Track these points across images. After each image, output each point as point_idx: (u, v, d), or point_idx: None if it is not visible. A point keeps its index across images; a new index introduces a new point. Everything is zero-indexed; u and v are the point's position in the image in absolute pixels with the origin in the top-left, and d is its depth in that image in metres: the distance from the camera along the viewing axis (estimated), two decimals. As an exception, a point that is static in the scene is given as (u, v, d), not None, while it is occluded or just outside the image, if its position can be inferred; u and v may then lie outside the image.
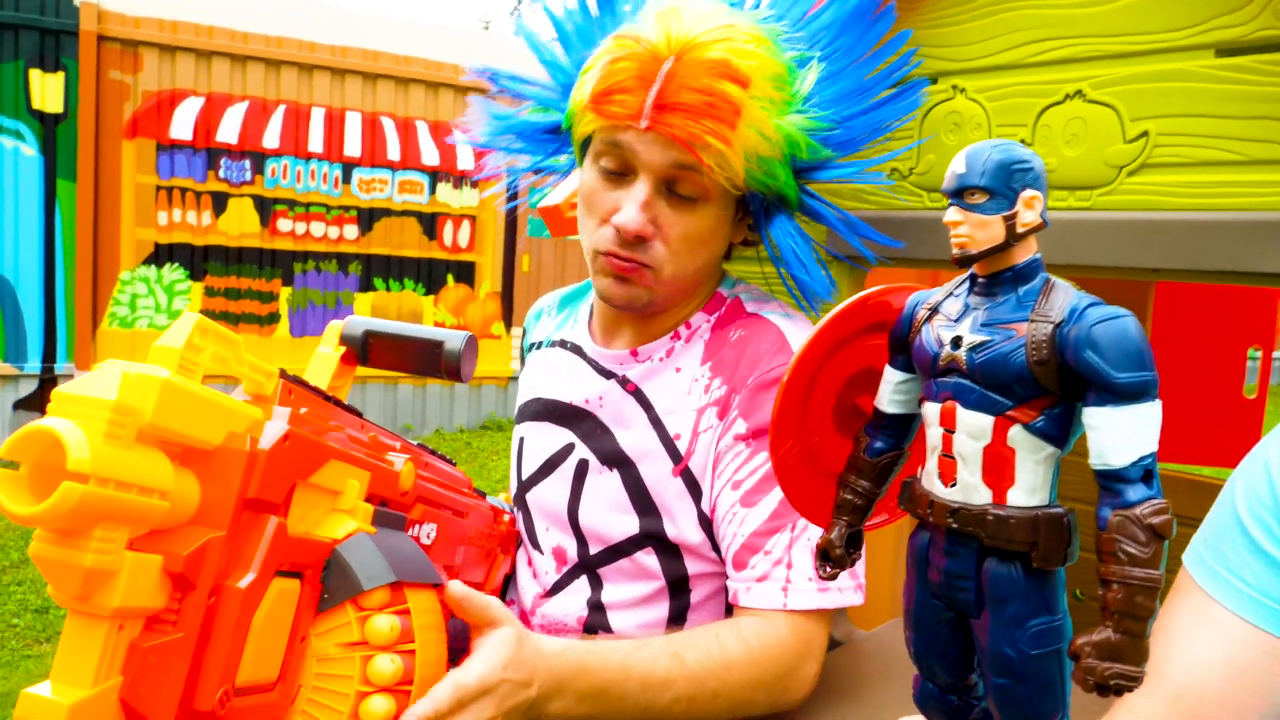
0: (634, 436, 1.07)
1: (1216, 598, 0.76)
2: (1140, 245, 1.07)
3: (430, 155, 6.37)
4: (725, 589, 1.05)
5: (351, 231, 6.15)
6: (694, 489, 1.04)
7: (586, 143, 1.04)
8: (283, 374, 0.67)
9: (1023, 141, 1.17)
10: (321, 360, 0.81)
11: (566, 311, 1.27)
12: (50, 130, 5.25)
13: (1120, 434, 0.47)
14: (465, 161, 6.43)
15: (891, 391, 0.61)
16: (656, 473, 1.05)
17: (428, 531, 0.81)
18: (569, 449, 1.13)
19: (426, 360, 0.83)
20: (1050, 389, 0.51)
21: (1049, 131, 1.14)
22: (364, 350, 0.86)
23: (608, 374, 1.12)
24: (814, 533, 0.95)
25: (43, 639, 3.21)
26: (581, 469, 1.11)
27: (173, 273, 5.64)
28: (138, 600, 0.52)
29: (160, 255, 5.61)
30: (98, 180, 5.35)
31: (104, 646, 0.50)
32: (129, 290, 5.53)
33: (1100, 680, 0.46)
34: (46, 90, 5.23)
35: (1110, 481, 0.48)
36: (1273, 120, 0.99)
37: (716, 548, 1.05)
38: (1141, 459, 0.47)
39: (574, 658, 0.86)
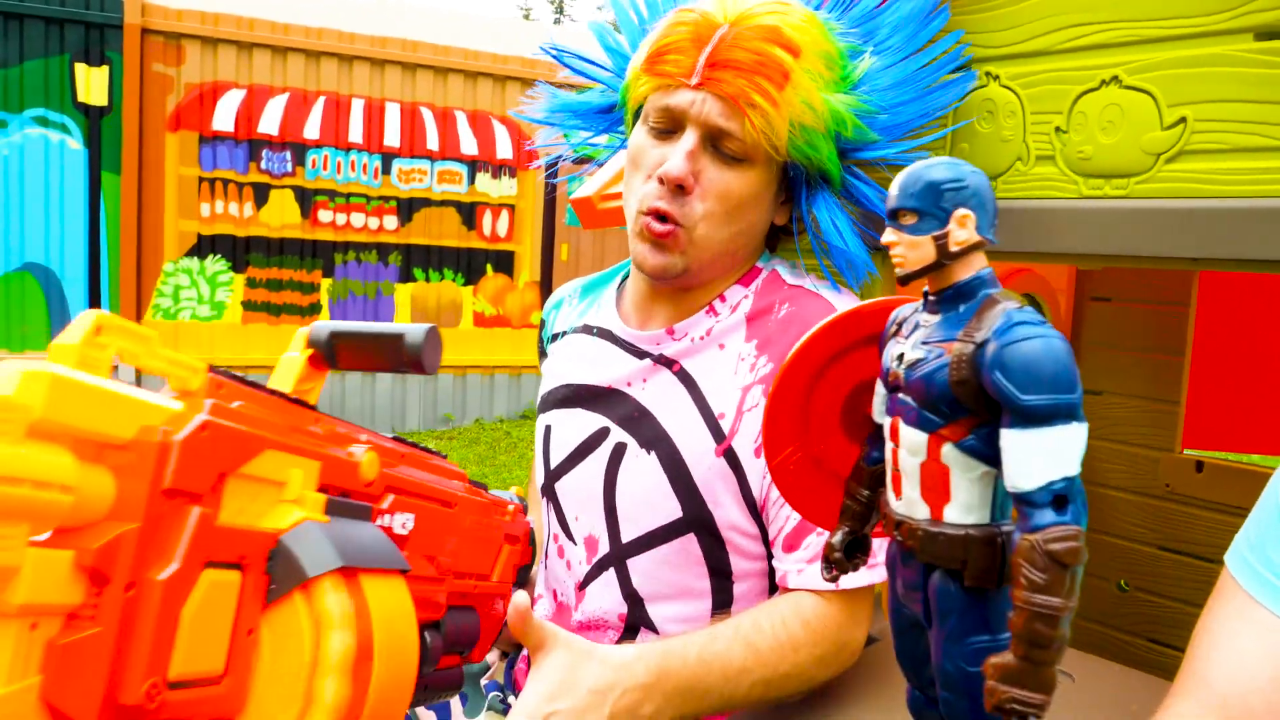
0: (676, 417, 1.06)
1: (1262, 601, 0.74)
2: (1179, 234, 1.05)
3: (469, 145, 6.41)
4: (768, 584, 1.06)
5: (391, 222, 6.21)
6: (737, 470, 1.03)
7: (638, 113, 1.08)
8: (211, 369, 0.67)
9: (1058, 129, 1.15)
10: (286, 365, 0.82)
11: (589, 299, 1.26)
12: (95, 123, 5.36)
13: (1027, 457, 0.47)
14: (504, 151, 6.46)
15: (880, 403, 0.62)
16: (698, 452, 1.04)
17: (403, 521, 0.82)
18: (603, 433, 1.11)
19: (390, 355, 0.85)
20: (973, 409, 0.51)
21: (1084, 118, 1.12)
22: (331, 352, 0.87)
23: (642, 354, 1.11)
24: None
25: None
26: (618, 453, 1.09)
27: (215, 264, 5.74)
28: (45, 597, 0.52)
29: (203, 247, 5.71)
30: (141, 172, 5.46)
31: (15, 645, 0.50)
32: (172, 282, 5.64)
33: (998, 704, 0.45)
34: (91, 83, 5.34)
35: (1022, 505, 0.47)
36: (1316, 105, 0.96)
37: (763, 536, 1.05)
38: (1051, 483, 0.46)
39: (653, 662, 0.88)
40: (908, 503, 0.55)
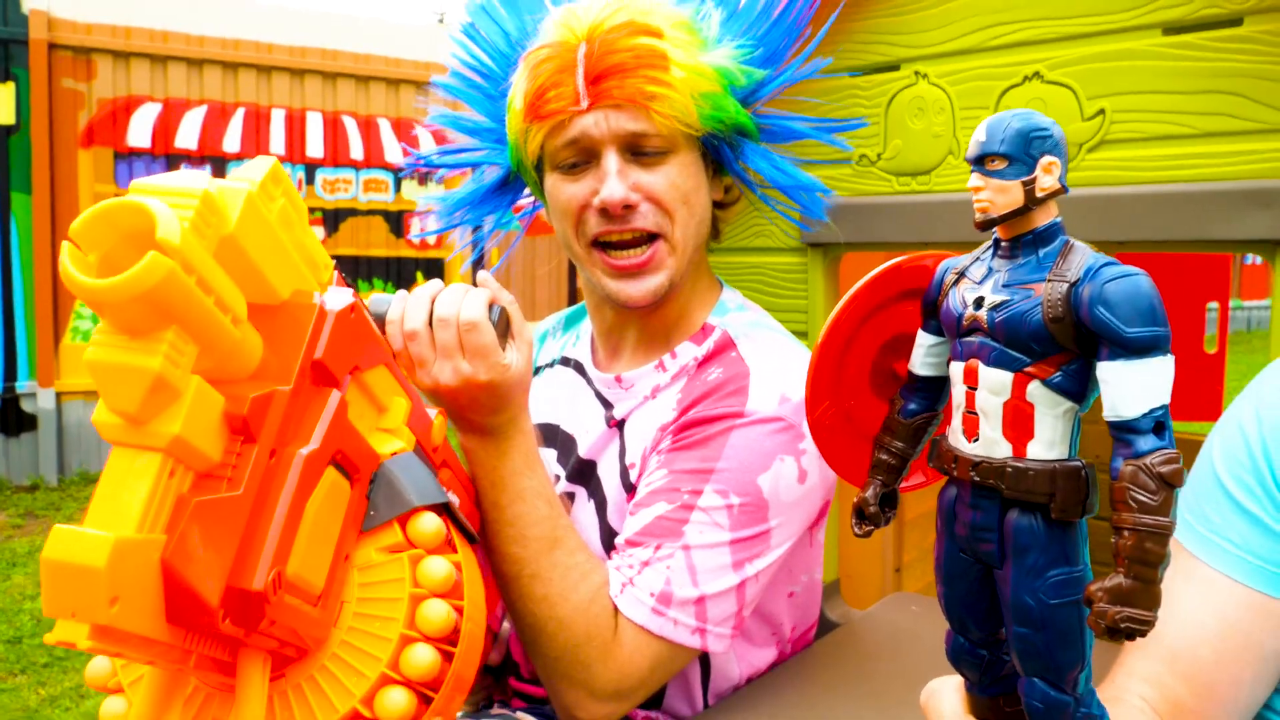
0: (609, 471, 1.08)
1: (1203, 559, 0.79)
2: (1103, 219, 1.11)
3: (394, 153, 6.33)
4: None
5: (318, 233, 6.10)
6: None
7: (539, 166, 1.05)
8: (338, 266, 0.64)
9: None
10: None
11: (572, 331, 1.27)
12: (2, 142, 5.16)
13: (1131, 387, 0.49)
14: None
15: (924, 355, 0.64)
16: (616, 503, 1.06)
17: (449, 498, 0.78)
18: (554, 480, 1.13)
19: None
20: (1066, 345, 0.53)
21: (1009, 112, 1.18)
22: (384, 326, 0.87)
23: (605, 401, 1.12)
24: (675, 563, 0.94)
25: (16, 671, 3.15)
26: (566, 501, 1.10)
27: (138, 282, 5.57)
28: (197, 436, 0.45)
29: (124, 265, 5.53)
30: (54, 192, 5.27)
31: (154, 485, 0.43)
32: (93, 302, 5.46)
33: (1111, 624, 0.48)
34: (-2, 102, 5.14)
35: (1122, 433, 0.50)
36: (1220, 94, 1.03)
37: None
38: (1152, 410, 0.49)
39: (529, 446, 0.93)
40: (986, 443, 0.56)
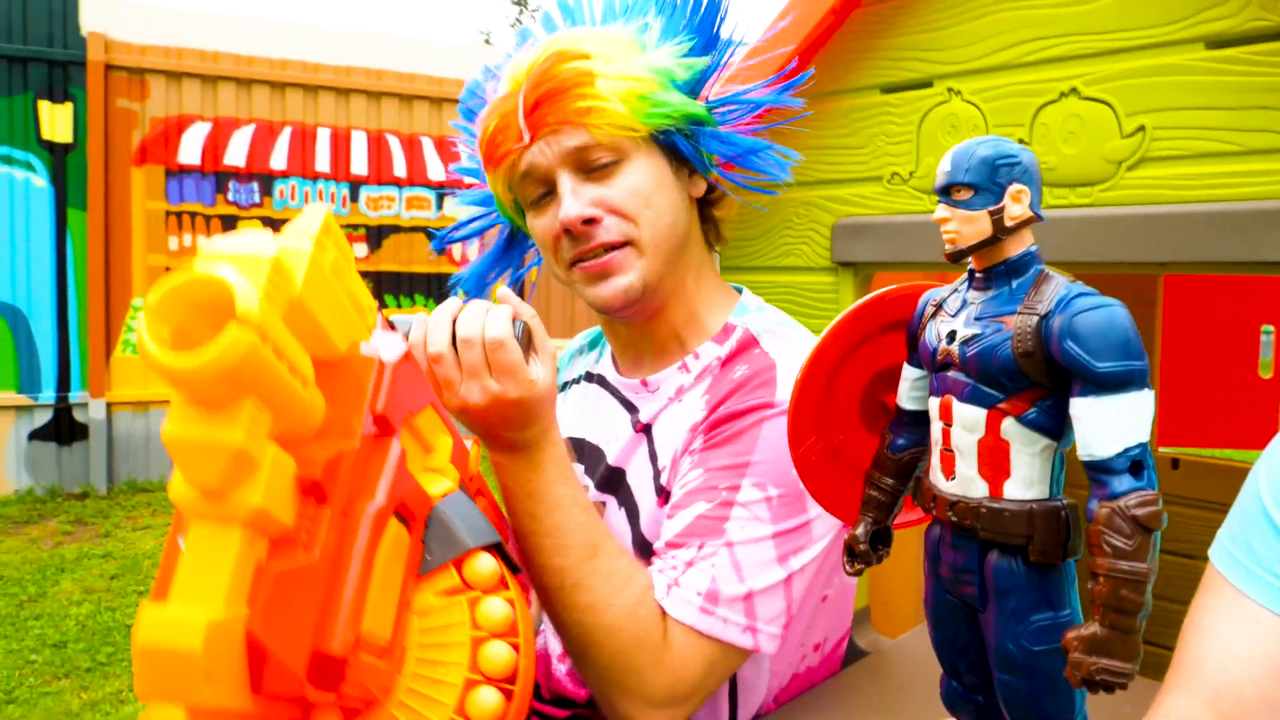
0: (639, 476, 1.08)
1: (1248, 593, 0.75)
2: (1144, 239, 1.08)
3: (436, 170, 6.40)
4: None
5: (361, 250, 6.18)
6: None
7: (521, 211, 1.10)
8: (380, 309, 0.63)
9: (1021, 141, 1.17)
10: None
11: (597, 348, 1.28)
12: (60, 160, 5.30)
13: (1104, 424, 0.47)
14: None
15: (909, 388, 0.62)
16: (649, 508, 1.05)
17: None
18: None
19: None
20: (1039, 380, 0.51)
21: (1046, 130, 1.15)
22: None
23: (630, 406, 1.13)
24: (720, 560, 0.92)
25: (61, 674, 3.22)
26: (599, 509, 1.10)
27: (186, 297, 5.69)
28: (275, 505, 0.44)
29: (173, 280, 5.65)
30: (108, 208, 5.41)
31: (238, 559, 0.42)
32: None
33: (1087, 676, 0.45)
34: (55, 121, 5.29)
35: (1097, 473, 0.48)
36: (1266, 110, 0.99)
37: None
38: (1128, 449, 0.47)
39: (561, 455, 0.91)
40: (963, 481, 0.54)
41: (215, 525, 0.42)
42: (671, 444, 1.05)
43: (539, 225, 1.05)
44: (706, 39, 1.06)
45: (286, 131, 5.93)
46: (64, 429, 5.39)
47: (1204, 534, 0.81)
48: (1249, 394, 2.23)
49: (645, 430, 1.09)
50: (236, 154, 5.79)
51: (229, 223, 5.76)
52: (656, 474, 1.06)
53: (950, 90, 1.24)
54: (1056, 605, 0.52)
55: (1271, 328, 2.23)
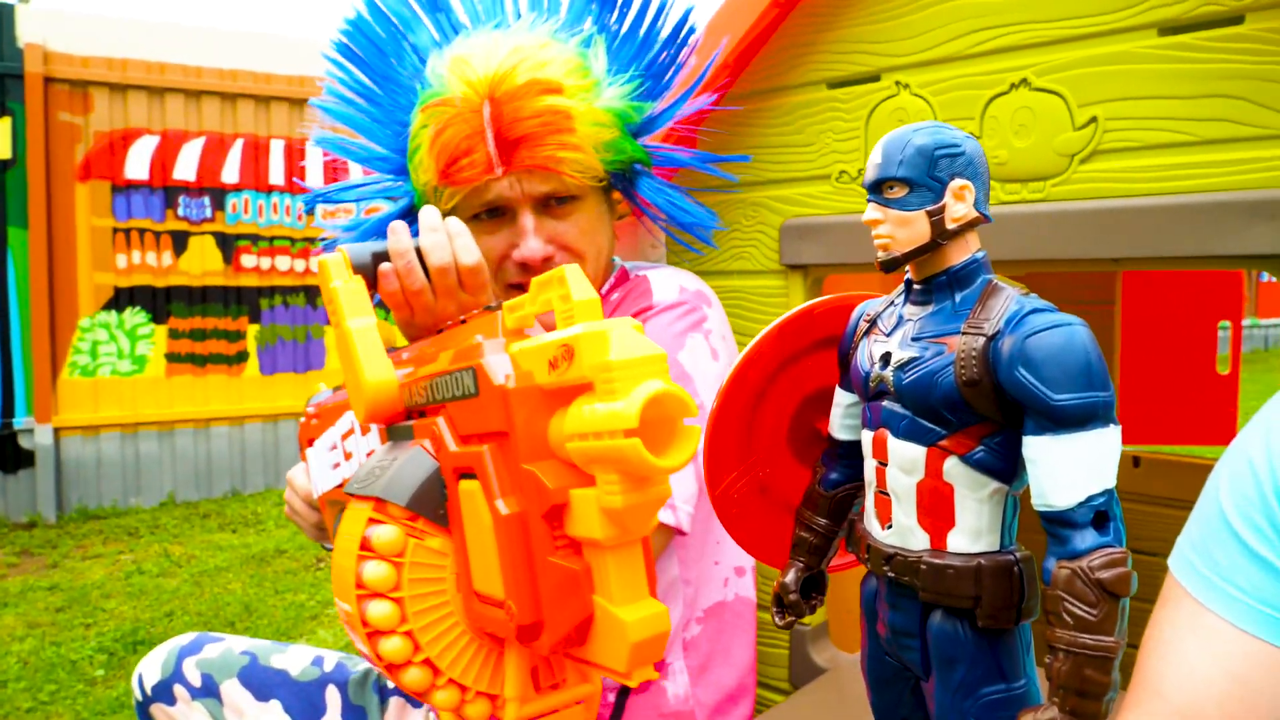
0: None
1: (1210, 606, 0.71)
2: (1098, 235, 1.03)
3: (393, 182, 6.31)
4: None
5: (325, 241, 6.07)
6: None
7: (448, 213, 1.08)
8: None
9: (972, 135, 1.13)
10: (352, 294, 0.73)
11: None
12: None
13: (1063, 468, 0.40)
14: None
15: (842, 415, 0.54)
16: None
17: None
18: None
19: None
20: (987, 414, 0.43)
21: (997, 123, 1.10)
22: (374, 276, 0.91)
23: None
24: None
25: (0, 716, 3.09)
26: None
27: (134, 316, 5.53)
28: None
29: (120, 299, 5.49)
30: (51, 226, 5.24)
31: (645, 561, 0.50)
32: (89, 337, 5.42)
33: None
34: (-7, 137, 5.13)
35: (1055, 525, 0.40)
36: (1221, 98, 0.95)
37: None
38: (1091, 498, 0.40)
39: None
40: (900, 531, 0.47)
41: (628, 550, 0.49)
42: None
43: (485, 243, 1.06)
44: (656, 85, 1.10)
45: (238, 144, 5.80)
46: (8, 456, 5.21)
47: (1165, 532, 0.77)
48: (1207, 390, 2.21)
49: None
50: (186, 168, 5.65)
51: (179, 238, 5.62)
52: None
53: (898, 84, 1.19)
54: (1010, 676, 0.44)
55: (1229, 323, 2.22)
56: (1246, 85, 0.93)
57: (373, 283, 0.93)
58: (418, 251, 0.92)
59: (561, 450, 0.49)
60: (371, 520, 0.56)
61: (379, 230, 1.18)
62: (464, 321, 0.64)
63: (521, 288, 1.07)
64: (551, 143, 1.00)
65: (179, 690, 1.26)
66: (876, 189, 0.46)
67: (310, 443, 0.97)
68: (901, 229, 0.45)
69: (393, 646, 0.55)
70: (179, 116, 5.62)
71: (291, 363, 5.97)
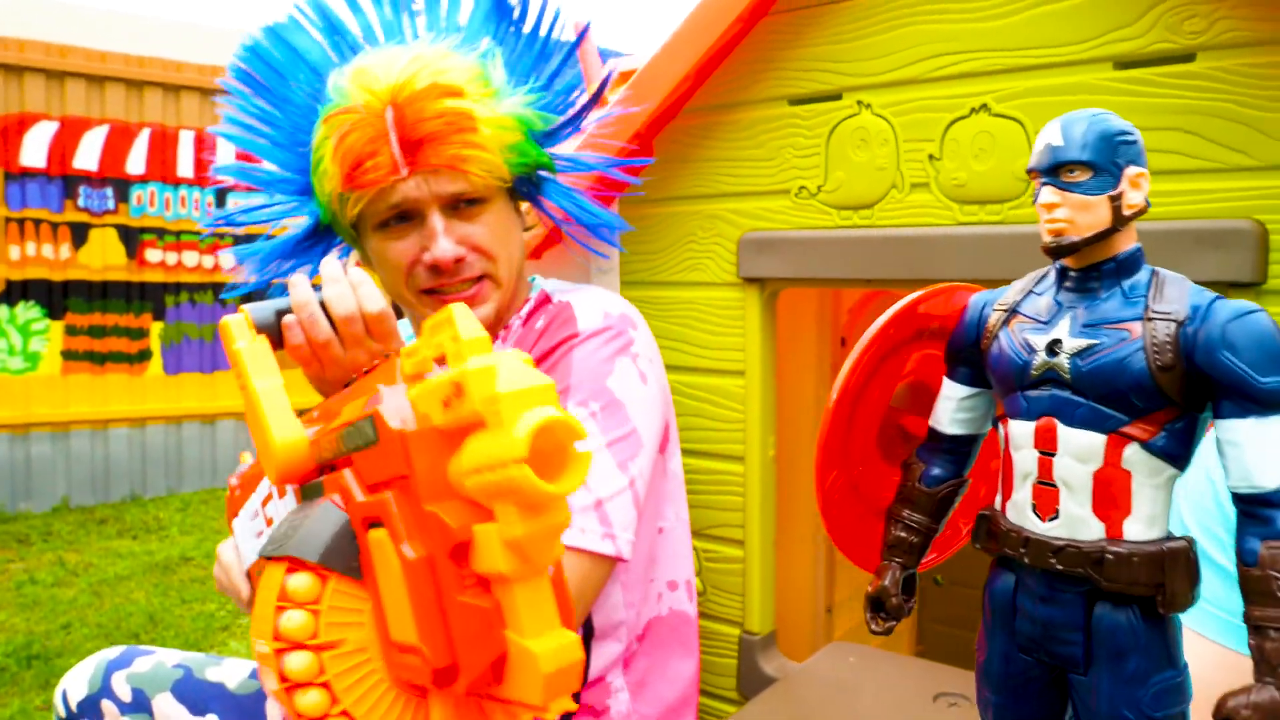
0: None
1: (1190, 626, 0.74)
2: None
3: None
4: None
5: (228, 260, 5.86)
6: None
7: (355, 223, 1.10)
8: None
9: (931, 156, 1.16)
10: (257, 354, 0.73)
11: None
12: (-118, 160, 4.82)
13: (1269, 449, 0.40)
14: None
15: (954, 409, 0.53)
16: None
17: None
18: None
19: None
20: (1173, 399, 0.43)
21: (957, 146, 1.13)
22: (278, 332, 0.89)
23: None
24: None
25: None
26: None
27: (28, 311, 5.24)
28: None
29: (13, 293, 5.20)
30: (-62, 213, 4.94)
31: (552, 594, 0.50)
32: (-21, 331, 5.12)
33: None
34: (-125, 116, 4.80)
35: (1257, 507, 0.40)
36: (1172, 131, 1.00)
37: None
38: None
39: None
40: (1069, 522, 0.46)
41: (535, 581, 0.49)
42: None
43: (395, 249, 1.07)
44: (559, 99, 1.11)
45: (145, 133, 5.56)
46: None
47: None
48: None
49: None
50: (88, 157, 5.38)
51: (79, 230, 5.35)
52: None
53: (860, 103, 1.21)
54: (1175, 663, 0.45)
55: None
56: (1196, 120, 0.98)
57: (278, 341, 0.91)
58: (321, 304, 0.92)
59: (461, 488, 0.48)
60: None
61: (285, 251, 1.17)
62: (368, 373, 0.64)
63: (433, 292, 1.08)
64: (456, 141, 1.00)
65: (107, 706, 1.20)
66: (1053, 172, 0.46)
67: (235, 515, 0.94)
68: (1083, 214, 0.46)
69: (310, 701, 0.53)
70: (80, 103, 5.35)
71: (198, 362, 5.74)
